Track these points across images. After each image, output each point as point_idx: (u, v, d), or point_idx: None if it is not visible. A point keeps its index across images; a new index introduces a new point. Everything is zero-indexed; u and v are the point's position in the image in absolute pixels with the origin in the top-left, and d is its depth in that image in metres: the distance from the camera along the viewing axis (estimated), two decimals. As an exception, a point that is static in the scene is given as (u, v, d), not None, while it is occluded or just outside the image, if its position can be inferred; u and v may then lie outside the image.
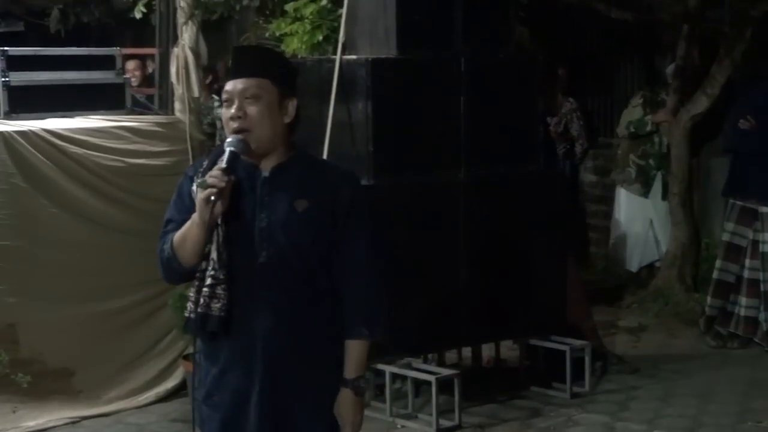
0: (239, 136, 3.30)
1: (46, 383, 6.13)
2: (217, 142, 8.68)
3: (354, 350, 3.42)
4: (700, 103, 8.51)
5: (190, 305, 3.35)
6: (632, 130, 9.07)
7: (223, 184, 3.22)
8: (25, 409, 6.03)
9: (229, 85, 3.34)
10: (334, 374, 3.43)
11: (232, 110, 3.31)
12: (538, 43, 8.29)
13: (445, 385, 6.07)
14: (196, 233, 3.29)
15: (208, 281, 3.31)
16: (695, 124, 8.62)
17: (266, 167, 3.37)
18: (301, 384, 3.39)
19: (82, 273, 6.34)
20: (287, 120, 3.37)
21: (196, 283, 3.34)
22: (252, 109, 3.31)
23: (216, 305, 3.30)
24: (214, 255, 3.31)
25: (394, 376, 6.23)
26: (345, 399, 3.42)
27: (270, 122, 3.32)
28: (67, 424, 6.11)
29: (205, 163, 3.37)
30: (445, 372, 6.17)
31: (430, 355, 6.58)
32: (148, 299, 6.55)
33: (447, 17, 6.30)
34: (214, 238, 3.30)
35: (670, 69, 8.99)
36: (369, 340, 3.43)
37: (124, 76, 7.09)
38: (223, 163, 3.25)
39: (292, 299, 3.35)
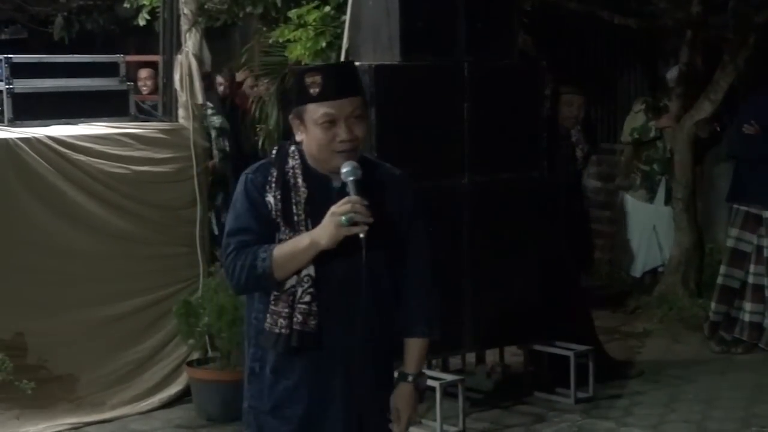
0: (355, 164, 3.29)
1: (50, 389, 6.14)
2: (214, 151, 8.66)
3: (414, 348, 3.52)
4: (704, 109, 8.51)
5: (281, 321, 3.34)
6: (636, 136, 9.07)
7: (371, 219, 3.24)
8: (29, 416, 6.03)
9: (333, 107, 3.30)
10: (391, 372, 3.56)
11: (343, 134, 3.30)
12: (542, 50, 8.29)
13: (449, 390, 6.07)
14: (311, 256, 3.29)
15: (306, 298, 3.32)
16: (699, 130, 8.63)
17: (336, 178, 3.35)
18: (374, 389, 3.46)
19: (86, 280, 6.34)
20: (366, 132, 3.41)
21: (289, 298, 3.33)
22: (359, 129, 3.33)
23: (312, 322, 3.33)
24: (311, 271, 3.32)
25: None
26: (405, 393, 3.51)
27: (364, 139, 3.36)
28: (70, 429, 6.13)
29: (274, 171, 3.38)
30: (450, 377, 6.17)
31: (434, 361, 6.58)
32: (151, 305, 6.56)
33: (450, 24, 6.30)
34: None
35: (670, 73, 8.99)
36: (428, 339, 3.53)
37: (128, 83, 7.10)
38: (353, 194, 3.25)
39: (366, 309, 3.37)
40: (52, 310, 6.20)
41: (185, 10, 6.74)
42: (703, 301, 8.30)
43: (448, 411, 6.05)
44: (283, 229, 3.35)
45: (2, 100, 6.52)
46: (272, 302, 3.35)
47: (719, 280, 7.71)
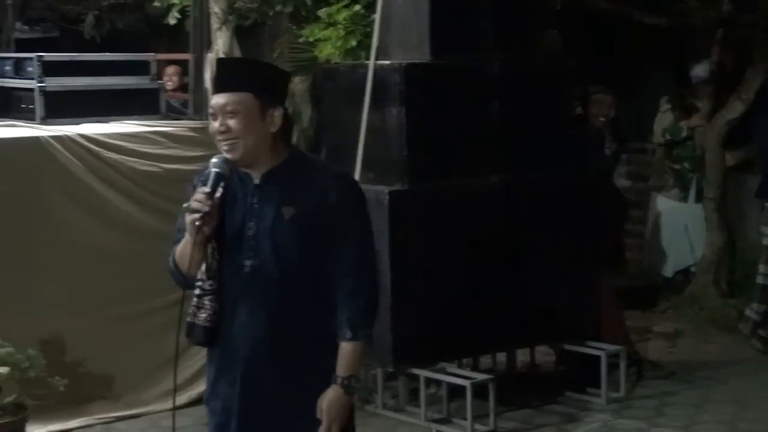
0: (224, 156, 3.36)
1: (81, 385, 6.16)
2: None
3: (343, 351, 3.42)
4: (735, 109, 8.47)
5: (189, 311, 3.46)
6: (668, 137, 9.04)
7: (207, 209, 3.29)
8: (61, 411, 6.06)
9: (213, 100, 3.40)
10: (327, 381, 3.44)
11: (215, 125, 3.38)
12: (571, 49, 8.26)
13: (480, 390, 6.05)
14: (192, 251, 3.35)
15: (197, 291, 3.41)
16: (730, 129, 8.58)
17: (257, 175, 3.41)
18: (285, 392, 3.41)
19: (118, 277, 6.36)
20: (273, 129, 3.38)
21: (195, 291, 3.43)
22: (232, 123, 3.34)
23: (202, 315, 3.41)
24: (202, 266, 3.39)
25: (429, 381, 6.22)
26: (329, 394, 3.41)
27: (253, 134, 3.35)
28: (101, 424, 6.18)
29: (210, 173, 3.39)
30: (480, 377, 6.16)
31: (464, 360, 6.57)
32: (179, 302, 6.55)
33: (480, 22, 6.30)
34: (208, 251, 3.37)
35: (696, 70, 8.94)
36: (353, 342, 3.41)
37: (158, 81, 7.13)
38: (207, 186, 3.31)
39: (276, 307, 3.37)
40: (85, 307, 6.22)
41: (215, 8, 6.78)
42: (735, 301, 8.25)
43: (479, 410, 6.04)
44: None
45: (34, 98, 6.55)
46: None
47: (759, 279, 7.63)
